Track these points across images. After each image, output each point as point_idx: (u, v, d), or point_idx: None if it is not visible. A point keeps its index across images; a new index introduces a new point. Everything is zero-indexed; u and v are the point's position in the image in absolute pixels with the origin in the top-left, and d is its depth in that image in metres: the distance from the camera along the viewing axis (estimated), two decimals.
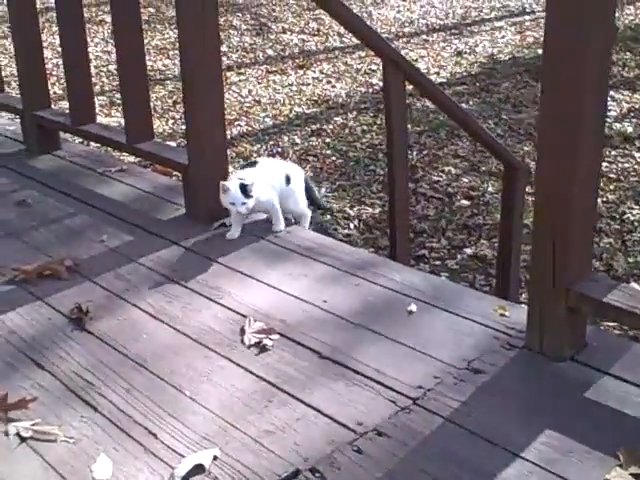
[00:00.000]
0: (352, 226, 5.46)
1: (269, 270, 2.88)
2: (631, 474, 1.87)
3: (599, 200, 5.85)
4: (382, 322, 2.52)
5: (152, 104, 7.77)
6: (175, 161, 3.41)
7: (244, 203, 2.88)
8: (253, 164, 3.18)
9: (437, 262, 5.05)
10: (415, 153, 6.45)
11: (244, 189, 2.87)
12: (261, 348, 2.42)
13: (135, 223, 3.31)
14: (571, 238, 2.23)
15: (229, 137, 6.84)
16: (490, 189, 5.88)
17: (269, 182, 3.05)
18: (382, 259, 3.20)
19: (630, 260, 4.99)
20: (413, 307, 2.59)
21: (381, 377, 2.26)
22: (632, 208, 5.70)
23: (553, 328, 2.30)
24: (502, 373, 2.27)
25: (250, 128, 7.17)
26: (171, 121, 7.36)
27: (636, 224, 5.46)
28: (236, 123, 7.24)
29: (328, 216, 5.51)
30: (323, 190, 3.53)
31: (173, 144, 6.21)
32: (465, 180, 6.13)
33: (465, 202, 5.81)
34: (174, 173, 3.90)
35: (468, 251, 5.18)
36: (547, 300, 2.29)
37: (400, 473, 1.92)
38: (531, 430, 2.03)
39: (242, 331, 2.50)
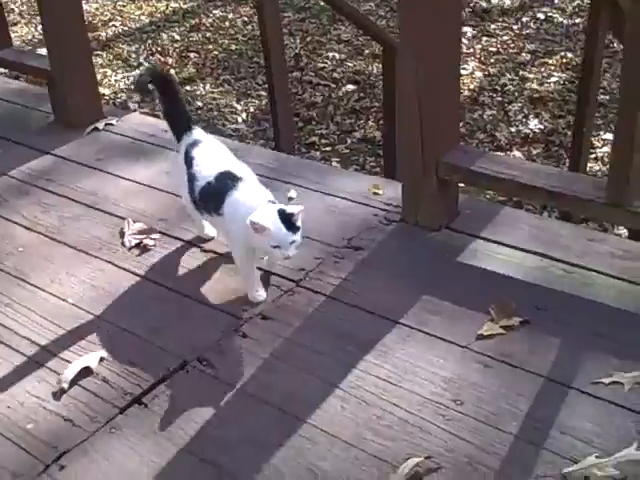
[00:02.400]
0: (240, 120, 5.38)
1: (145, 170, 2.83)
2: (501, 326, 1.99)
3: (481, 74, 5.95)
4: None
5: (17, 9, 7.41)
6: (38, 68, 3.25)
7: (293, 242, 1.96)
8: (237, 179, 2.11)
9: (327, 148, 5.06)
10: (298, 41, 6.33)
11: (288, 220, 1.96)
12: (142, 248, 2.41)
13: (2, 136, 3.16)
14: (437, 112, 2.27)
15: (104, 39, 6.54)
16: (375, 71, 5.86)
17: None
18: (264, 150, 3.19)
19: (512, 130, 5.13)
20: (293, 193, 2.61)
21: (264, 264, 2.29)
22: (512, 79, 5.82)
23: (426, 200, 2.37)
24: (380, 247, 2.33)
25: (126, 28, 6.85)
26: (40, 27, 6.94)
27: (517, 94, 5.59)
28: (110, 24, 6.90)
29: (215, 112, 5.41)
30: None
31: (43, 51, 5.88)
32: (350, 65, 6.09)
33: (351, 86, 5.79)
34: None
35: (357, 135, 5.20)
36: (418, 173, 2.35)
37: (283, 352, 1.98)
38: (408, 297, 2.12)
39: (122, 234, 2.47)
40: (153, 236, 2.44)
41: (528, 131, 5.09)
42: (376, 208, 2.50)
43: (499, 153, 4.60)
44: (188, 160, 2.21)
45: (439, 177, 2.32)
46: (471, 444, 1.68)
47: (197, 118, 5.07)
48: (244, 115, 5.45)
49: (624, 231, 3.76)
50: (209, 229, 2.39)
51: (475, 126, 5.19)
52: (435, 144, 2.30)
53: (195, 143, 2.23)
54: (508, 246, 2.28)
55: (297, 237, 1.97)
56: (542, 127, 5.13)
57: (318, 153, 4.99)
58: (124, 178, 2.81)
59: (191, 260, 2.34)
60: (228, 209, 2.08)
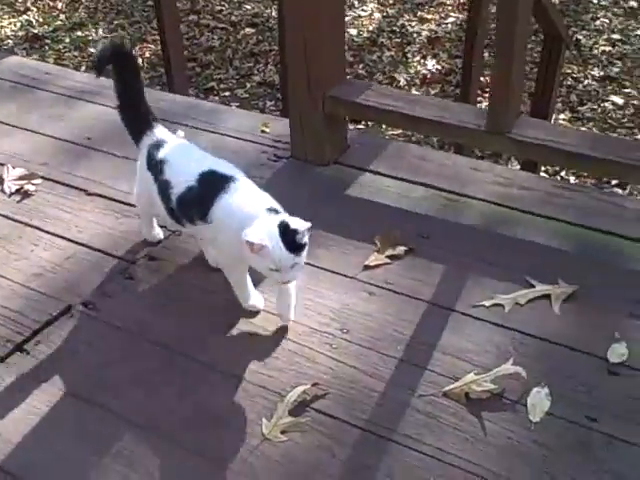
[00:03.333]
0: None
1: (26, 114, 2.71)
2: (387, 256, 2.02)
3: (379, 15, 5.94)
4: None
5: None
6: None
7: (295, 264, 1.65)
8: (227, 180, 1.77)
9: (226, 93, 4.98)
10: None
11: (291, 238, 1.62)
12: (23, 194, 2.32)
13: None
14: (321, 48, 2.24)
15: None
16: (274, 14, 5.77)
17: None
18: (153, 91, 3.09)
19: (411, 71, 5.16)
20: (180, 133, 2.54)
21: None
22: (411, 20, 5.83)
23: (314, 135, 2.36)
24: (269, 184, 2.29)
25: None
26: None
27: (415, 35, 5.62)
28: None
29: None
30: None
31: None
32: (248, 7, 5.98)
33: (250, 30, 5.70)
34: None
35: (257, 79, 5.14)
36: (305, 108, 2.33)
37: (172, 292, 1.96)
38: None
39: (1, 180, 2.37)
40: (34, 181, 2.35)
41: (426, 72, 5.13)
42: (265, 145, 2.48)
43: (386, 86, 4.62)
44: (154, 165, 1.86)
45: (326, 112, 2.31)
46: (356, 369, 1.71)
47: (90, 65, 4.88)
48: (139, 61, 5.29)
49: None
50: (158, 231, 2.11)
51: (374, 68, 5.20)
52: (321, 80, 2.28)
53: (159, 144, 1.88)
54: (395, 178, 2.30)
55: (300, 259, 1.64)
56: (439, 67, 5.19)
57: (217, 98, 4.90)
58: (3, 123, 2.68)
59: (75, 205, 2.27)
60: (218, 215, 1.73)
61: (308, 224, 1.63)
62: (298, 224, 1.62)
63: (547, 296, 1.87)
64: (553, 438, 1.55)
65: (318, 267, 2.00)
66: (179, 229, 1.99)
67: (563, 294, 1.87)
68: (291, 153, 2.42)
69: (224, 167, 1.81)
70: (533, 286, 1.90)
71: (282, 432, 1.58)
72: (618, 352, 1.73)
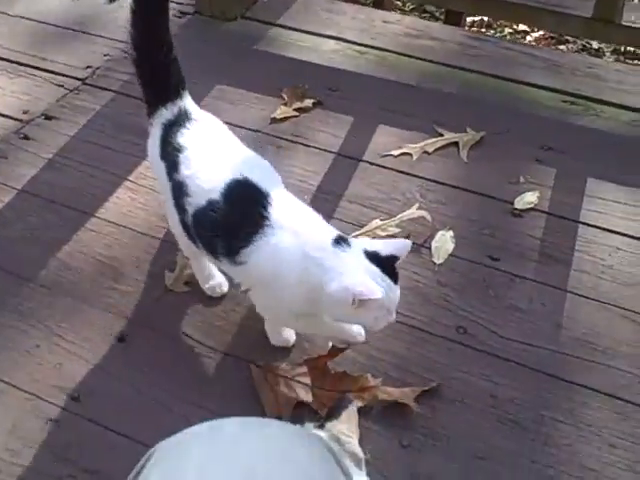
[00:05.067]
0: None
1: None
2: (294, 109, 1.96)
3: None
4: None
5: None
6: None
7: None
8: (265, 199, 1.26)
9: None
10: None
11: (391, 268, 1.23)
12: None
13: None
14: None
15: None
16: None
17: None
18: None
19: None
20: None
21: (47, 64, 2.12)
22: None
23: None
24: (174, 41, 2.19)
25: None
26: None
27: None
28: None
29: None
30: None
31: None
32: None
33: None
34: None
35: None
36: None
37: (69, 150, 1.87)
38: (203, 88, 2.01)
39: None
40: None
41: None
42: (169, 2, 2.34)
43: None
44: (169, 152, 1.33)
45: None
46: None
47: None
48: None
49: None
50: (220, 280, 1.50)
51: None
52: None
53: (181, 121, 1.36)
54: (304, 32, 2.21)
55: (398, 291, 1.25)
56: None
57: None
58: None
59: None
60: (258, 261, 1.23)
61: (408, 243, 1.24)
62: (392, 248, 1.23)
63: (455, 144, 1.86)
64: (456, 278, 1.56)
65: (224, 122, 1.92)
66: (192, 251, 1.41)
67: (471, 141, 1.86)
68: (196, 9, 2.30)
69: (259, 170, 1.30)
70: (441, 135, 1.88)
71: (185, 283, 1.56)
72: (525, 200, 1.73)
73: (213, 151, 1.33)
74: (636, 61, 3.05)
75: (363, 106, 1.96)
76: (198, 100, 1.46)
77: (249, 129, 1.90)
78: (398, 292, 1.22)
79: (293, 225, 1.23)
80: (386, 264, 1.20)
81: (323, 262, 1.19)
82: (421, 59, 2.11)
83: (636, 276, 1.55)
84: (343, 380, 1.34)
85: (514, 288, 1.54)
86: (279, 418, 1.27)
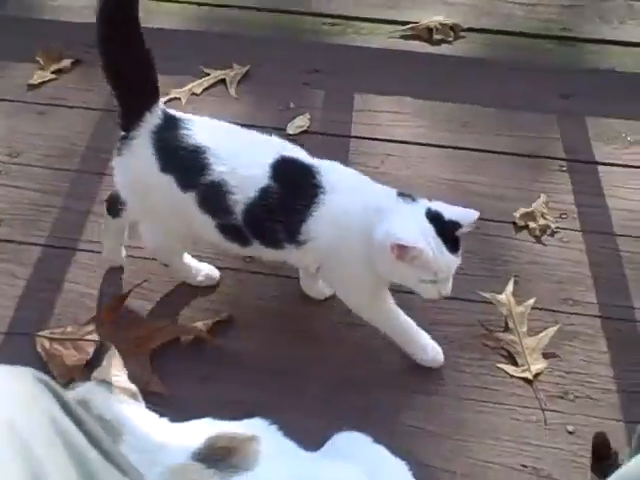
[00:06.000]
0: None
1: None
2: (52, 72, 1.85)
3: None
4: None
5: None
6: None
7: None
8: (313, 169, 1.22)
9: None
10: None
11: (451, 234, 1.16)
12: None
13: None
14: None
15: None
16: None
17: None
18: None
19: None
20: None
21: None
22: None
23: None
24: None
25: None
26: None
27: None
28: None
29: None
30: None
31: None
32: None
33: None
34: None
35: None
36: None
37: None
38: None
39: None
40: None
41: None
42: None
43: None
44: (178, 160, 1.20)
45: None
46: (31, 190, 1.61)
47: None
48: None
49: None
50: (207, 266, 1.43)
51: None
52: None
53: (173, 124, 1.22)
54: None
55: (459, 259, 1.18)
56: None
57: None
58: None
59: None
60: (322, 231, 1.19)
61: (475, 214, 1.16)
62: (457, 214, 1.16)
63: (222, 81, 1.85)
64: None
65: None
66: (236, 252, 1.31)
67: (238, 76, 1.85)
68: None
69: (286, 146, 1.25)
70: (208, 74, 1.86)
71: None
72: (296, 124, 1.76)
73: (235, 142, 1.23)
74: None
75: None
76: None
77: (4, 99, 1.79)
78: (454, 261, 1.15)
79: (346, 185, 1.20)
80: (446, 228, 1.15)
81: (381, 207, 1.17)
82: (183, 2, 2.07)
83: (410, 178, 1.62)
84: (132, 327, 1.33)
85: None
86: (71, 381, 1.23)
